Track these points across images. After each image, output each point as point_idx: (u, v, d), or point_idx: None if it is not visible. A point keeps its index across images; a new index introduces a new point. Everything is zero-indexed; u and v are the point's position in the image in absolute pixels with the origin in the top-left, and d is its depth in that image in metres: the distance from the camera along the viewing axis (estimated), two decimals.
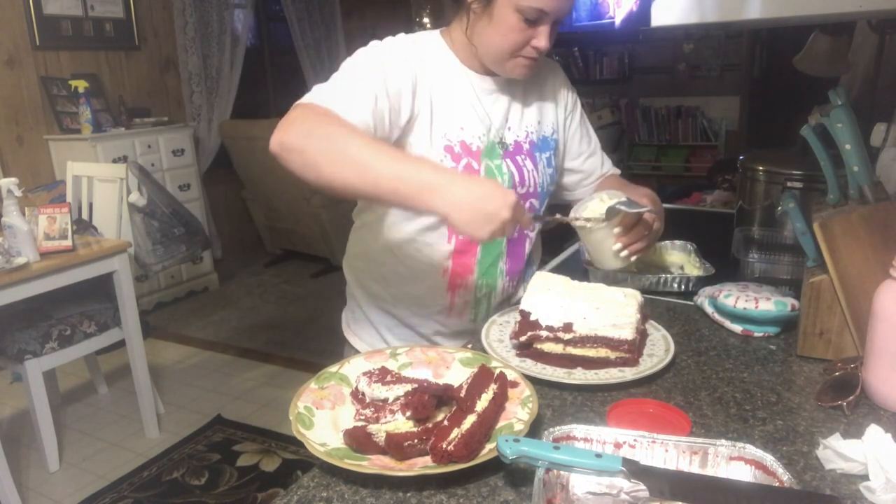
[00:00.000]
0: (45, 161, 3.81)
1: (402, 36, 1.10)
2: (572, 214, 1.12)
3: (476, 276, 1.18)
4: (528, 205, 1.17)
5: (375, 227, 1.19)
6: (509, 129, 1.16)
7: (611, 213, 1.07)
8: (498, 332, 1.07)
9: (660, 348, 0.99)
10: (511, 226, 0.86)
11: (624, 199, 1.09)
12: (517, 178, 1.15)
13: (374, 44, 1.07)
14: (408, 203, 0.87)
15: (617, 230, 1.08)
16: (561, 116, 1.26)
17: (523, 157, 1.17)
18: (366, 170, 0.86)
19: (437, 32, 1.15)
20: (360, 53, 1.04)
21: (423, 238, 1.14)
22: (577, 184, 1.34)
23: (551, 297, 1.01)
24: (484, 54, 1.08)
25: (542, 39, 1.02)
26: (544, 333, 0.97)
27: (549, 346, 0.97)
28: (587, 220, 1.09)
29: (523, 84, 1.18)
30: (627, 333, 0.94)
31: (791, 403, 0.86)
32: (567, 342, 0.96)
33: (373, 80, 0.99)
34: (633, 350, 0.94)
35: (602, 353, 0.95)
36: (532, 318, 0.98)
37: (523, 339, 0.98)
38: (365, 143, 0.88)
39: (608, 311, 0.97)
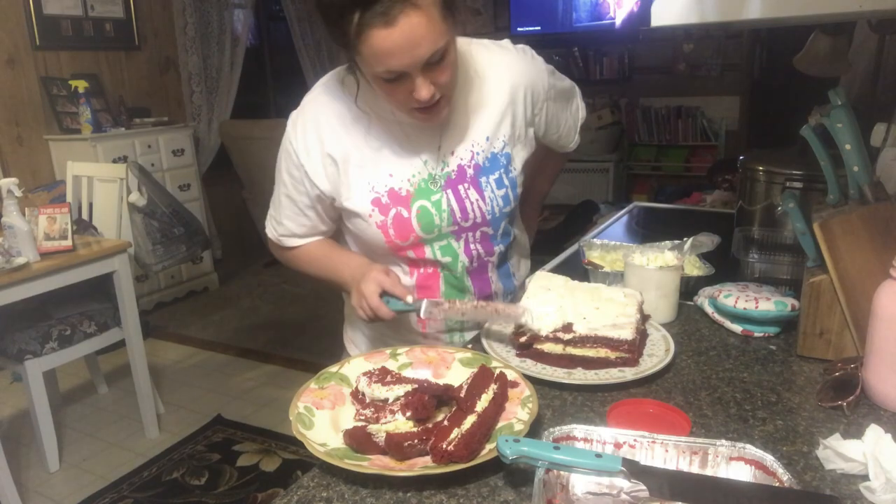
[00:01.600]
0: (45, 161, 3.81)
1: (313, 103, 1.07)
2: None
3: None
4: (478, 233, 1.12)
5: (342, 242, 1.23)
6: (452, 153, 1.08)
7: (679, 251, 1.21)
8: (498, 332, 1.07)
9: (660, 348, 0.99)
10: (372, 299, 1.00)
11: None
12: (458, 214, 1.08)
13: (282, 148, 1.10)
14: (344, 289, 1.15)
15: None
16: (526, 114, 1.12)
17: (466, 185, 1.09)
18: (319, 280, 1.19)
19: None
20: (279, 168, 1.12)
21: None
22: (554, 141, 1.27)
23: (551, 297, 1.01)
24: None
25: (419, 91, 0.91)
26: (544, 333, 0.97)
27: (549, 347, 0.97)
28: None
29: (471, 98, 1.08)
30: (627, 333, 0.94)
31: (791, 403, 0.86)
32: (567, 342, 0.96)
33: (294, 205, 1.12)
34: (633, 350, 0.94)
35: (602, 353, 0.95)
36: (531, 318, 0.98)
37: (523, 340, 0.98)
38: (307, 263, 1.19)
39: (608, 311, 0.97)
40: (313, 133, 1.05)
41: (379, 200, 1.06)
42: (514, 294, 1.24)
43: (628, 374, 0.91)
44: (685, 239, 1.28)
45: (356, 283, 1.04)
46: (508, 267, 1.23)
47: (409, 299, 1.00)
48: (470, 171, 1.09)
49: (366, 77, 0.97)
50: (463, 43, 1.05)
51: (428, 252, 1.10)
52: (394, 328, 1.17)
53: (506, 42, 1.14)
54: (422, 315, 1.00)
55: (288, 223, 1.14)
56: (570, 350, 0.97)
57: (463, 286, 1.15)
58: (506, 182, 1.12)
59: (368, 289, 1.00)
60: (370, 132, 1.06)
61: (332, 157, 1.05)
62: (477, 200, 1.10)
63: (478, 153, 1.10)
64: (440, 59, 0.91)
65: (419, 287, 1.14)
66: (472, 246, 1.12)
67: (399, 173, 1.07)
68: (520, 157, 1.14)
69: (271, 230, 1.18)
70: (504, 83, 1.09)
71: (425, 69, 0.91)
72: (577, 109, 1.27)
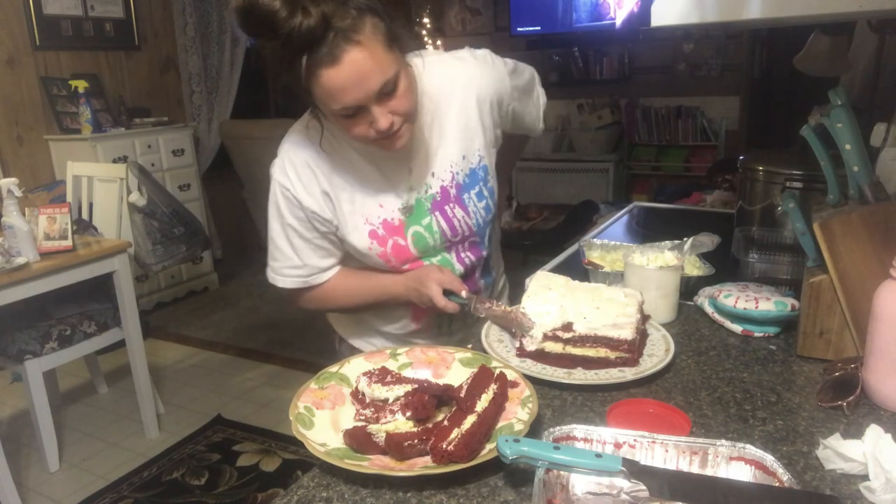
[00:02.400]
0: (45, 161, 3.81)
1: (292, 151, 1.08)
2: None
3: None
4: (468, 244, 1.19)
5: (346, 265, 1.22)
6: (433, 175, 1.12)
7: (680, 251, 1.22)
8: (498, 332, 1.07)
9: (660, 348, 0.99)
10: (438, 298, 1.06)
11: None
12: (449, 233, 1.15)
13: (272, 197, 1.10)
14: (396, 304, 1.19)
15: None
16: (494, 117, 1.15)
17: (451, 205, 1.14)
18: (366, 308, 1.22)
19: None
20: (272, 216, 1.12)
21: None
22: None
23: (552, 297, 1.01)
24: None
25: (379, 121, 0.94)
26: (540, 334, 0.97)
27: (549, 346, 0.97)
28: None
29: (436, 120, 1.11)
30: (627, 333, 0.94)
31: (791, 403, 0.86)
32: (567, 342, 0.96)
33: (302, 248, 1.13)
34: (632, 350, 0.94)
35: (602, 353, 0.95)
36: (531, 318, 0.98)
37: (525, 340, 0.98)
38: (349, 295, 1.19)
39: (608, 310, 0.97)
40: (306, 171, 1.07)
41: (375, 233, 1.11)
42: (493, 286, 1.31)
43: (628, 374, 0.91)
44: (685, 239, 1.29)
45: (415, 290, 1.10)
46: (490, 264, 1.29)
47: (464, 294, 1.07)
48: (453, 191, 1.14)
49: (328, 118, 1.00)
50: (422, 62, 1.06)
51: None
52: (386, 324, 1.25)
53: (464, 53, 1.15)
54: (471, 310, 1.07)
55: (310, 261, 1.14)
56: (570, 350, 0.97)
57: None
58: (485, 193, 1.17)
59: (432, 290, 1.07)
60: (351, 170, 1.09)
61: (327, 194, 1.08)
62: (463, 217, 1.15)
63: (457, 172, 1.14)
64: (393, 90, 0.94)
65: None
66: (463, 255, 1.20)
67: (388, 203, 1.11)
68: (493, 162, 1.18)
69: (292, 280, 1.15)
70: (469, 99, 1.11)
71: (380, 100, 0.93)
72: (538, 97, 1.28)
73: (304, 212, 1.08)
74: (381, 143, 0.99)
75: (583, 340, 0.96)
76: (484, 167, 1.16)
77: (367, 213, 1.10)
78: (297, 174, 1.07)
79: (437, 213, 1.13)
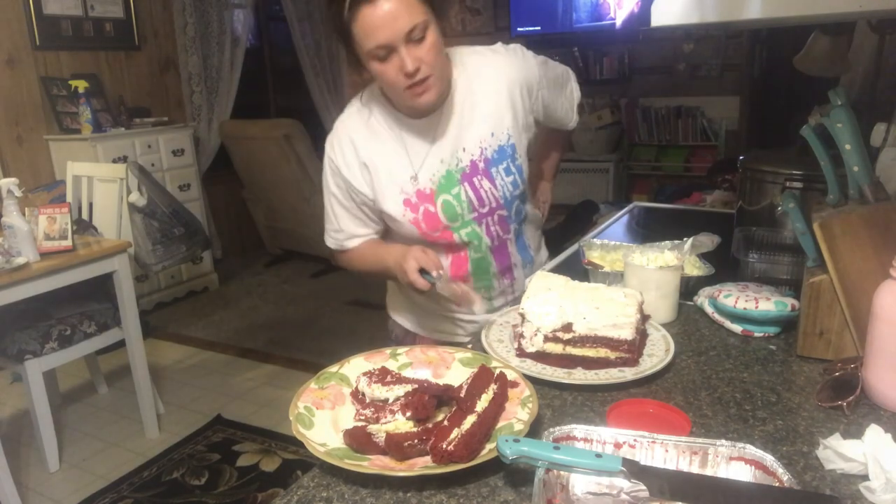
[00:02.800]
0: (45, 161, 3.81)
1: (344, 124, 1.25)
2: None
3: (472, 281, 1.32)
4: (496, 217, 1.28)
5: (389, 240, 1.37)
6: (464, 150, 1.23)
7: (680, 251, 1.23)
8: (498, 332, 1.07)
9: (660, 348, 0.99)
10: (413, 275, 1.12)
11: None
12: (476, 202, 1.25)
13: (325, 170, 1.28)
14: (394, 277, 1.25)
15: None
16: (526, 104, 1.27)
17: (479, 177, 1.24)
18: (376, 275, 1.31)
19: (378, 92, 1.24)
20: (325, 185, 1.30)
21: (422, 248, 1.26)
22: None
23: (551, 297, 1.01)
24: (391, 100, 1.20)
25: (405, 64, 1.07)
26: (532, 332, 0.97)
27: (549, 346, 0.97)
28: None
29: (468, 97, 1.22)
30: (627, 333, 0.94)
31: (791, 403, 0.86)
32: (567, 342, 0.96)
33: (346, 213, 1.29)
34: (632, 350, 0.94)
35: (602, 353, 0.95)
36: (530, 320, 0.98)
37: (525, 341, 0.98)
38: (363, 261, 1.33)
39: (608, 310, 0.97)
40: (349, 146, 1.23)
41: (409, 201, 1.23)
42: (531, 264, 1.41)
43: (628, 374, 0.91)
44: (685, 239, 1.28)
45: (399, 264, 1.17)
46: (524, 240, 1.38)
47: (434, 273, 1.13)
48: (481, 165, 1.24)
49: (367, 70, 1.12)
50: (459, 53, 1.24)
51: (455, 237, 1.26)
52: (433, 298, 1.31)
53: (498, 46, 1.30)
54: (437, 289, 1.14)
55: (346, 226, 1.30)
56: (570, 350, 0.97)
57: (487, 262, 1.31)
58: (513, 169, 1.26)
59: (409, 265, 1.14)
60: (391, 145, 1.23)
61: (365, 165, 1.22)
62: (490, 189, 1.25)
63: (485, 148, 1.24)
64: (421, 37, 1.07)
65: (452, 265, 1.30)
66: (492, 228, 1.28)
67: (421, 175, 1.23)
68: (523, 144, 1.28)
69: (332, 241, 1.34)
70: (501, 83, 1.24)
71: (409, 44, 1.06)
72: (572, 92, 1.42)
73: (344, 182, 1.24)
74: (411, 94, 1.11)
75: (583, 341, 0.96)
76: (512, 146, 1.26)
77: (401, 184, 1.22)
78: (341, 148, 1.23)
79: (465, 184, 1.24)
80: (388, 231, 1.36)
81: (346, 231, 1.31)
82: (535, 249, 1.45)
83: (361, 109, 1.25)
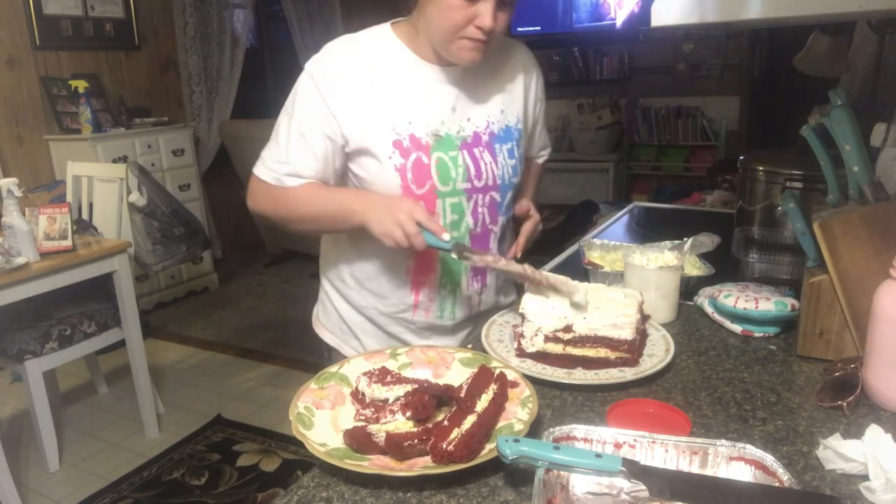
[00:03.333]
0: (45, 161, 3.80)
1: (335, 51, 1.10)
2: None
3: (439, 275, 1.17)
4: (487, 198, 1.15)
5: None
6: (468, 119, 1.14)
7: (679, 251, 1.22)
8: (498, 332, 1.07)
9: (660, 348, 0.99)
10: (409, 226, 0.98)
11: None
12: (473, 171, 1.13)
13: (301, 81, 1.11)
14: (345, 227, 1.11)
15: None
16: (530, 105, 1.24)
17: (481, 149, 1.14)
18: (315, 221, 1.16)
19: (387, 26, 1.14)
20: (290, 104, 1.12)
21: None
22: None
23: (551, 298, 1.01)
24: (430, 38, 1.07)
25: (485, 18, 0.99)
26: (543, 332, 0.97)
27: (549, 347, 0.97)
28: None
29: (489, 71, 1.16)
30: (627, 333, 0.94)
31: (791, 403, 0.86)
32: (567, 342, 0.96)
33: (303, 140, 1.10)
34: (633, 350, 0.94)
35: (602, 353, 0.95)
36: (531, 320, 0.98)
37: (525, 341, 0.98)
38: (306, 204, 1.13)
39: (608, 311, 0.97)
40: (342, 65, 1.08)
41: (400, 143, 1.08)
42: (496, 295, 1.27)
43: (628, 374, 0.91)
44: (685, 239, 1.28)
45: (379, 212, 1.02)
46: (504, 249, 1.24)
47: (446, 237, 1.00)
48: (485, 137, 1.15)
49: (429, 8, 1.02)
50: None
51: (439, 206, 1.11)
52: (383, 300, 1.19)
53: (524, 45, 1.26)
54: (453, 254, 1.01)
55: (297, 158, 1.10)
56: (570, 350, 0.97)
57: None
58: (516, 154, 1.19)
59: (403, 213, 0.99)
60: (393, 79, 1.10)
61: (357, 89, 1.07)
62: (490, 163, 1.15)
63: (492, 122, 1.16)
64: (511, 4, 1.02)
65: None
66: (479, 209, 1.15)
67: (418, 122, 1.09)
68: (524, 141, 1.23)
69: (269, 172, 1.13)
70: (519, 69, 1.21)
71: (497, 4, 1.00)
72: (545, 131, 1.37)
73: (322, 104, 1.07)
74: (467, 45, 1.03)
75: (583, 341, 0.96)
76: (519, 130, 1.20)
77: (395, 121, 1.08)
78: (334, 65, 1.08)
79: (464, 151, 1.13)
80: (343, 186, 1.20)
81: (293, 164, 1.10)
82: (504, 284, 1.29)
83: (364, 39, 1.12)
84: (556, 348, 0.97)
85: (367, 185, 1.12)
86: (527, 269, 1.04)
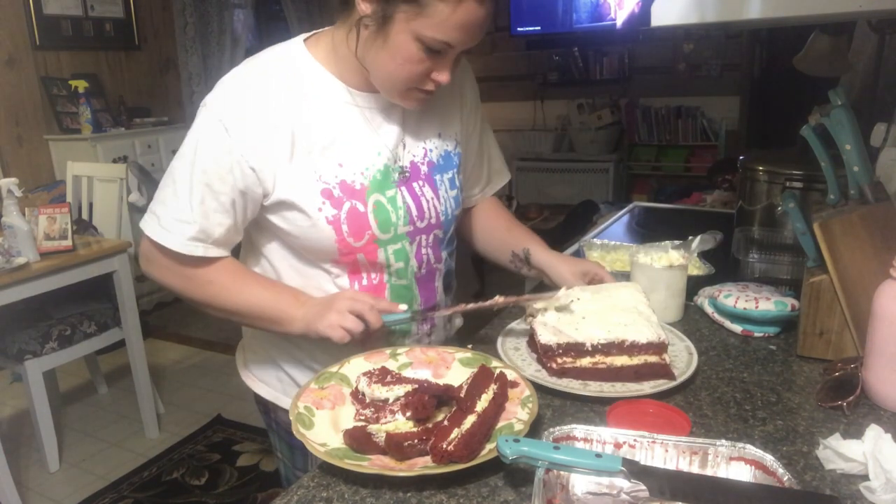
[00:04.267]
0: (45, 161, 3.80)
1: (244, 79, 0.94)
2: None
3: (387, 332, 1.04)
4: (431, 237, 1.05)
5: (270, 273, 1.05)
6: (404, 146, 1.01)
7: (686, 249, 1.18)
8: (514, 340, 1.04)
9: (681, 360, 0.94)
10: (348, 321, 0.92)
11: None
12: (415, 212, 1.01)
13: (208, 123, 0.91)
14: (279, 331, 1.00)
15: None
16: (468, 122, 1.12)
17: (421, 182, 1.02)
18: (236, 314, 1.00)
19: (299, 44, 0.98)
20: (189, 157, 0.92)
21: (325, 288, 1.02)
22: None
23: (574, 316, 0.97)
24: (375, 80, 0.93)
25: (444, 73, 0.90)
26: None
27: (582, 362, 0.92)
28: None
29: None
30: (647, 333, 0.90)
31: (791, 403, 0.86)
32: (591, 352, 0.92)
33: (215, 186, 0.92)
34: (660, 351, 0.89)
35: (635, 360, 0.91)
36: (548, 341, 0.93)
37: (554, 365, 0.93)
38: (229, 292, 0.98)
39: (612, 310, 0.96)
40: (255, 102, 0.92)
41: (330, 192, 0.94)
42: (446, 325, 1.16)
43: (646, 387, 0.88)
44: (690, 238, 1.27)
45: (321, 307, 0.93)
46: (452, 280, 1.16)
47: (403, 307, 0.96)
48: (424, 168, 1.03)
49: (387, 39, 0.87)
50: None
51: (381, 255, 0.99)
52: (327, 352, 1.00)
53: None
54: (413, 322, 1.00)
55: (204, 218, 0.92)
56: (601, 359, 0.92)
57: (411, 294, 1.05)
58: (457, 183, 1.08)
59: (346, 301, 0.92)
60: (316, 114, 0.95)
61: (277, 133, 0.92)
62: (432, 199, 1.03)
63: (430, 150, 1.05)
64: (462, 56, 0.93)
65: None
66: (423, 250, 1.04)
67: (350, 164, 0.96)
68: (463, 166, 1.11)
69: (169, 234, 0.93)
70: (460, 86, 1.09)
71: (456, 58, 0.91)
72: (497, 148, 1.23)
73: (231, 153, 0.90)
74: (413, 95, 0.92)
75: (606, 349, 0.91)
76: (458, 154, 1.09)
77: (322, 170, 0.94)
78: (244, 102, 0.91)
79: (403, 189, 1.00)
80: (251, 251, 1.05)
81: (200, 223, 0.92)
82: (452, 294, 1.17)
83: (276, 67, 0.95)
84: (585, 362, 0.92)
85: (294, 239, 0.98)
86: (498, 300, 0.99)
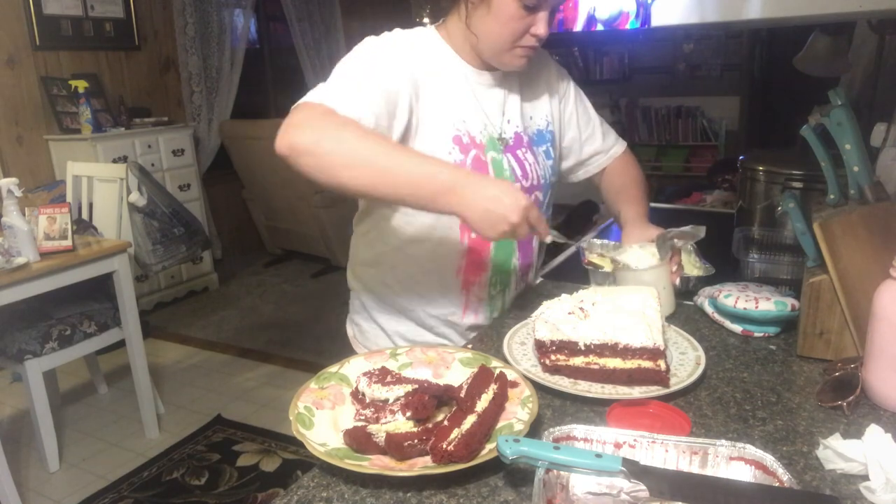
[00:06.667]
0: (45, 161, 3.80)
1: (397, 32, 1.10)
2: (612, 257, 1.16)
3: (490, 274, 1.16)
4: (532, 197, 1.14)
5: (384, 231, 1.15)
6: (508, 121, 1.16)
7: (663, 247, 1.12)
8: (522, 336, 1.04)
9: (687, 368, 0.93)
10: (522, 229, 0.90)
11: (670, 231, 1.15)
12: (520, 173, 1.15)
13: (369, 41, 1.05)
14: (425, 204, 0.92)
15: (672, 268, 1.14)
16: (555, 106, 1.26)
17: (524, 150, 1.17)
18: (383, 174, 0.90)
19: (432, 28, 1.15)
20: (358, 52, 1.04)
21: (435, 237, 1.11)
22: (574, 168, 1.37)
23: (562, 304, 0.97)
24: (483, 46, 1.08)
25: (540, 26, 1.02)
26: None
27: (575, 361, 0.92)
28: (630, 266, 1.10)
29: (517, 77, 1.18)
30: (642, 337, 0.89)
31: (791, 403, 0.86)
32: (583, 352, 0.91)
33: (372, 81, 0.99)
34: (656, 357, 0.88)
35: (629, 363, 0.89)
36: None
37: (548, 362, 0.93)
38: (378, 144, 0.91)
39: (630, 320, 0.94)
40: (413, 48, 1.08)
41: (460, 139, 1.08)
42: (535, 268, 1.30)
43: (635, 391, 0.87)
44: (668, 230, 1.20)
45: (489, 200, 0.87)
46: (544, 243, 1.27)
47: (549, 239, 1.06)
48: (525, 138, 1.18)
49: (490, 6, 1.02)
50: None
51: None
52: (431, 302, 1.16)
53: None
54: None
55: (366, 103, 0.95)
56: (594, 360, 0.91)
57: (511, 249, 1.17)
58: (552, 154, 1.23)
59: (518, 215, 0.88)
60: (447, 77, 1.10)
61: (418, 77, 1.05)
62: (533, 163, 1.17)
63: (528, 125, 1.20)
64: (558, 9, 1.06)
65: (470, 250, 1.13)
66: None
67: (471, 122, 1.11)
68: (556, 142, 1.25)
69: (332, 97, 0.94)
70: (547, 69, 1.25)
71: (551, 12, 1.03)
72: (598, 118, 1.36)
73: (407, 66, 1.03)
74: (519, 53, 1.06)
75: (599, 350, 0.90)
76: (550, 132, 1.23)
77: (454, 118, 1.09)
78: (399, 44, 1.06)
79: (508, 154, 1.14)
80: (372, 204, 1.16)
81: (362, 104, 0.95)
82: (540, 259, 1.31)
83: (417, 36, 1.11)
84: (583, 361, 0.91)
85: None
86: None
